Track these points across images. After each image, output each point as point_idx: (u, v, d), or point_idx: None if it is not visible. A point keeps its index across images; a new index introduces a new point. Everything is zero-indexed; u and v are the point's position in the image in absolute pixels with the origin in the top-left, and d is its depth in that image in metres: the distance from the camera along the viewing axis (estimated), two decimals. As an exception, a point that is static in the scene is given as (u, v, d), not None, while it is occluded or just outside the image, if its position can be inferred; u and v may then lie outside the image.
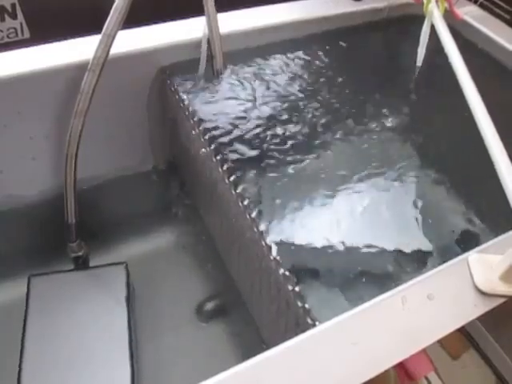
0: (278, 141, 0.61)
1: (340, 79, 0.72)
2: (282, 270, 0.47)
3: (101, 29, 0.53)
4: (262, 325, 0.63)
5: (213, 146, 0.59)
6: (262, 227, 0.50)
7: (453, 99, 0.49)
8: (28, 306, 0.68)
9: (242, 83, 0.69)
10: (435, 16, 0.54)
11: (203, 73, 0.69)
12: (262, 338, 0.64)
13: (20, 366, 0.63)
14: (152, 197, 0.88)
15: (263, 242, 0.49)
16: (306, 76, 0.72)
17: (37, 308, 0.68)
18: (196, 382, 0.34)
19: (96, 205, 0.79)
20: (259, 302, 0.59)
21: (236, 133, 0.61)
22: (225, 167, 0.57)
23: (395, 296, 0.41)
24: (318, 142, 0.62)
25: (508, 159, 0.41)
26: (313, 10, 0.79)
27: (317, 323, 0.43)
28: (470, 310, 0.41)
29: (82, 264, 0.75)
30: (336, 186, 0.56)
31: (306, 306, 0.44)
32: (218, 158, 0.58)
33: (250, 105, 0.66)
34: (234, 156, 0.58)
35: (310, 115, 0.65)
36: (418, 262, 0.49)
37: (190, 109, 0.64)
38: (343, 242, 0.50)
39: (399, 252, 0.49)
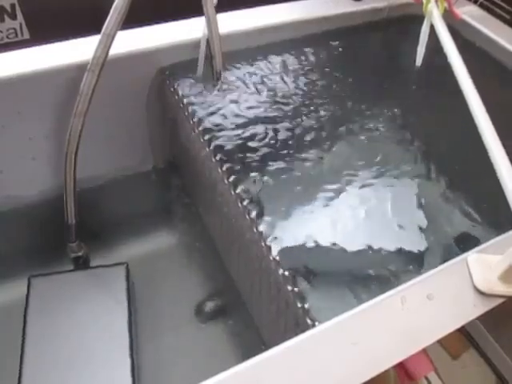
0: (277, 141, 0.61)
1: (340, 79, 0.72)
2: (281, 271, 0.47)
3: (101, 29, 0.53)
4: (262, 325, 0.64)
5: (212, 147, 0.59)
6: (262, 227, 0.50)
7: (452, 99, 0.49)
8: (28, 306, 0.68)
9: (241, 83, 0.69)
10: (435, 16, 0.54)
11: (203, 73, 0.69)
12: (261, 338, 0.64)
13: (20, 366, 0.63)
14: (152, 197, 0.88)
15: (263, 243, 0.49)
16: (306, 76, 0.72)
17: (37, 308, 0.68)
18: (196, 382, 0.34)
19: (96, 205, 0.79)
20: (259, 302, 0.59)
21: (236, 133, 0.61)
22: (224, 167, 0.57)
23: (395, 296, 0.41)
24: (317, 142, 0.62)
25: (507, 159, 0.41)
26: (313, 10, 0.79)
27: (316, 323, 0.43)
28: (470, 310, 0.41)
29: (82, 264, 0.75)
30: (336, 186, 0.56)
31: (306, 306, 0.44)
32: (218, 158, 0.58)
33: (249, 105, 0.66)
34: (234, 156, 0.58)
35: (310, 115, 0.65)
36: (418, 262, 0.49)
37: (190, 109, 0.64)
38: (343, 243, 0.50)
39: (399, 252, 0.49)
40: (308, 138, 0.62)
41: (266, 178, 0.56)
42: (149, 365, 0.72)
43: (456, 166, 0.60)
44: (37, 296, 0.70)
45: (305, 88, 0.69)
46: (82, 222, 0.69)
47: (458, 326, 0.40)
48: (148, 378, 0.71)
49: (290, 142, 0.61)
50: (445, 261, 0.44)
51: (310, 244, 0.49)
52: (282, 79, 0.70)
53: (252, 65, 0.72)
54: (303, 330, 0.39)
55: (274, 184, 0.56)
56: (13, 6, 0.70)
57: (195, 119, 0.63)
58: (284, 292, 0.47)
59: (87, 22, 0.60)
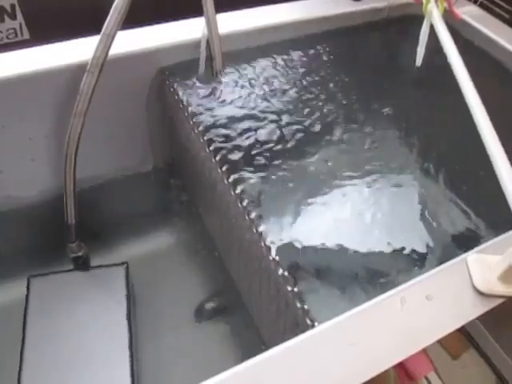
0: (277, 141, 0.61)
1: (340, 79, 0.72)
2: (281, 271, 0.47)
3: (101, 29, 0.53)
4: (262, 325, 0.64)
5: (212, 147, 0.59)
6: (262, 228, 0.50)
7: (452, 99, 0.49)
8: (28, 306, 0.69)
9: (241, 83, 0.69)
10: (434, 16, 0.54)
11: (203, 73, 0.69)
12: (261, 338, 0.64)
13: (20, 366, 0.63)
14: (152, 197, 0.88)
15: (262, 243, 0.49)
16: (306, 76, 0.72)
17: (37, 308, 0.68)
18: (196, 382, 0.35)
19: (96, 205, 0.79)
20: (259, 302, 0.59)
21: (235, 133, 0.61)
22: (224, 168, 0.57)
23: (394, 296, 0.41)
24: (317, 142, 0.62)
25: (507, 159, 0.41)
26: (313, 10, 0.79)
27: (316, 324, 0.43)
28: (469, 311, 0.41)
29: (82, 264, 0.75)
30: (335, 186, 0.56)
31: (305, 306, 0.44)
32: (218, 158, 0.58)
33: (249, 105, 0.66)
34: (234, 156, 0.58)
35: (310, 115, 0.65)
36: (417, 262, 0.49)
37: (190, 109, 0.64)
38: (342, 243, 0.50)
39: (398, 252, 0.49)
40: (308, 138, 0.62)
41: (265, 178, 0.56)
42: (149, 365, 0.72)
43: (456, 166, 0.60)
44: (37, 296, 0.70)
45: (305, 88, 0.69)
46: (82, 222, 0.69)
47: (458, 326, 0.40)
48: (148, 378, 0.71)
49: (291, 143, 0.61)
50: (444, 261, 0.44)
51: (310, 244, 0.49)
52: (282, 79, 0.70)
53: (252, 65, 0.72)
54: (303, 331, 0.39)
55: (274, 184, 0.55)
56: (13, 6, 0.70)
57: (195, 119, 0.63)
58: (284, 292, 0.47)
59: (87, 21, 0.60)
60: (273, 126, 0.63)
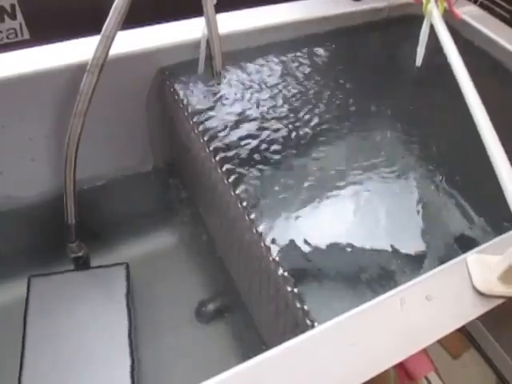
0: (278, 142, 0.61)
1: (340, 79, 0.72)
2: (280, 271, 0.47)
3: (100, 29, 0.53)
4: (262, 325, 0.64)
5: (212, 147, 0.59)
6: (261, 228, 0.50)
7: (452, 99, 0.49)
8: (28, 306, 0.69)
9: (241, 83, 0.69)
10: (434, 16, 0.54)
11: (203, 73, 0.69)
12: (261, 338, 0.64)
13: (20, 365, 0.63)
14: (152, 197, 0.88)
15: (262, 243, 0.49)
16: (306, 76, 0.71)
17: (37, 308, 0.68)
18: (196, 382, 0.35)
19: (96, 205, 0.79)
20: (258, 302, 0.59)
21: (235, 133, 0.61)
22: (224, 168, 0.57)
23: (394, 297, 0.41)
24: (317, 142, 0.62)
25: (507, 159, 0.41)
26: (313, 10, 0.79)
27: (316, 324, 0.43)
28: (469, 311, 0.41)
29: (82, 264, 0.75)
30: (335, 186, 0.56)
31: (305, 307, 0.44)
32: (218, 158, 0.58)
33: (249, 105, 0.66)
34: (234, 157, 0.58)
35: (310, 115, 0.65)
36: (417, 262, 0.49)
37: (190, 109, 0.64)
38: (342, 243, 0.50)
39: (398, 253, 0.49)
40: (308, 138, 0.62)
41: (265, 178, 0.56)
42: (149, 365, 0.72)
43: (457, 166, 0.60)
44: (37, 296, 0.70)
45: (305, 88, 0.69)
46: (82, 222, 0.69)
47: (458, 326, 0.40)
48: (148, 378, 0.71)
49: (291, 143, 0.61)
50: (444, 261, 0.44)
51: (310, 245, 0.49)
52: (282, 79, 0.70)
53: (252, 65, 0.72)
54: (303, 331, 0.39)
55: (274, 185, 0.55)
56: (13, 6, 0.70)
57: (195, 119, 0.63)
58: (283, 292, 0.47)
59: (87, 22, 0.60)
60: (273, 126, 0.63)
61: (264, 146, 0.60)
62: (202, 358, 0.74)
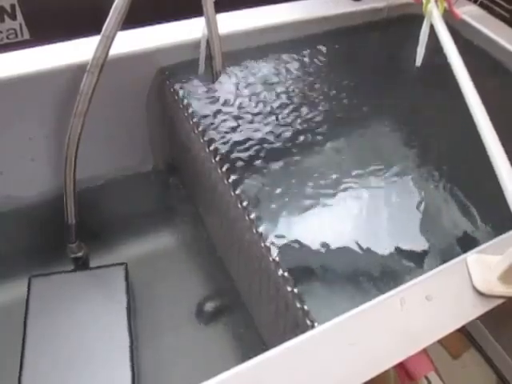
0: (277, 141, 0.61)
1: (340, 79, 0.72)
2: (280, 271, 0.47)
3: (100, 29, 0.53)
4: (262, 325, 0.64)
5: (212, 147, 0.59)
6: (261, 228, 0.50)
7: (452, 99, 0.49)
8: (28, 306, 0.69)
9: (241, 83, 0.69)
10: (434, 16, 0.54)
11: (203, 73, 0.69)
12: (261, 339, 0.64)
13: (20, 366, 0.63)
14: (152, 197, 0.88)
15: (262, 243, 0.49)
16: (306, 76, 0.72)
17: (37, 308, 0.68)
18: (196, 382, 0.35)
19: (96, 205, 0.79)
20: (258, 302, 0.59)
21: (235, 134, 0.61)
22: (224, 168, 0.57)
23: (394, 297, 0.41)
24: (318, 142, 0.62)
25: (507, 159, 0.41)
26: (313, 10, 0.79)
27: (316, 324, 0.43)
28: (469, 311, 0.41)
29: (82, 265, 0.75)
30: (336, 186, 0.56)
31: (305, 307, 0.44)
32: (218, 158, 0.58)
33: (249, 105, 0.66)
34: (234, 157, 0.58)
35: (310, 115, 0.65)
36: (418, 262, 0.49)
37: (190, 109, 0.64)
38: (343, 243, 0.50)
39: (398, 253, 0.49)
40: (308, 138, 0.62)
41: (265, 178, 0.56)
42: (149, 365, 0.72)
43: (457, 166, 0.60)
44: (37, 296, 0.70)
45: (305, 88, 0.69)
46: (82, 222, 0.69)
47: (458, 326, 0.40)
48: (148, 378, 0.71)
49: (290, 143, 0.61)
50: (444, 261, 0.44)
51: (310, 245, 0.49)
52: (282, 79, 0.70)
53: (252, 65, 0.72)
54: (303, 331, 0.39)
55: (274, 185, 0.55)
56: (13, 6, 0.70)
57: (195, 120, 0.63)
58: (283, 293, 0.47)
59: (87, 22, 0.60)
60: (273, 126, 0.63)
61: (264, 146, 0.60)
62: (202, 358, 0.74)
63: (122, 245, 0.84)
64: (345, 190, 0.56)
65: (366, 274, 0.47)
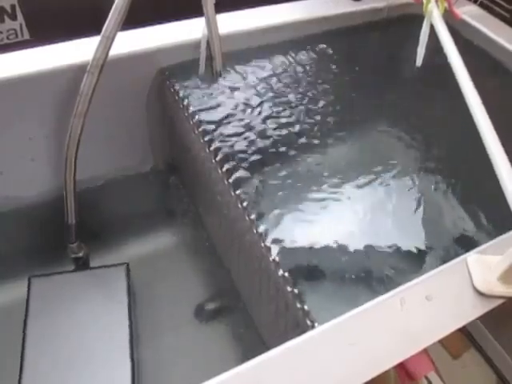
0: (278, 142, 0.61)
1: (340, 79, 0.72)
2: (281, 272, 0.47)
3: (100, 29, 0.53)
4: (262, 325, 0.64)
5: (212, 148, 0.59)
6: (262, 229, 0.50)
7: (452, 99, 0.49)
8: (28, 306, 0.68)
9: (242, 83, 0.69)
10: (435, 16, 0.54)
11: (203, 73, 0.69)
12: (261, 339, 0.64)
13: (20, 366, 0.63)
14: (152, 197, 0.88)
15: (262, 244, 0.49)
16: (306, 76, 0.72)
17: (37, 309, 0.68)
18: (196, 382, 0.35)
19: (96, 205, 0.79)
20: (259, 302, 0.59)
21: (236, 134, 0.61)
22: (224, 168, 0.57)
23: (394, 297, 0.41)
24: (318, 143, 0.62)
25: (507, 159, 0.41)
26: (313, 10, 0.79)
27: (316, 324, 0.43)
28: (469, 311, 0.41)
29: (82, 265, 0.75)
30: (336, 187, 0.56)
31: (306, 307, 0.44)
32: (218, 159, 0.58)
33: (249, 105, 0.66)
34: (234, 157, 0.58)
35: (310, 116, 0.65)
36: (418, 262, 0.49)
37: (190, 110, 0.64)
38: (343, 244, 0.50)
39: (398, 253, 0.49)
40: (308, 138, 0.62)
41: (266, 179, 0.56)
42: (149, 365, 0.72)
43: (456, 166, 0.60)
44: (37, 296, 0.70)
45: (305, 88, 0.69)
46: (82, 222, 0.69)
47: (458, 327, 0.40)
48: (148, 378, 0.71)
49: (291, 143, 0.61)
50: (444, 261, 0.44)
51: (310, 245, 0.49)
52: (283, 79, 0.70)
53: (253, 65, 0.72)
54: (303, 331, 0.39)
55: (274, 185, 0.55)
56: (13, 6, 0.70)
57: (195, 120, 0.63)
58: (283, 293, 0.47)
59: (87, 22, 0.60)
60: (273, 126, 0.63)
61: (265, 146, 0.60)
62: (202, 358, 0.74)
63: (122, 245, 0.84)
64: (345, 190, 0.56)
65: (367, 274, 0.47)
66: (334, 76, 0.72)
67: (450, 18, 0.57)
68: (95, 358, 0.65)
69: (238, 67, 0.71)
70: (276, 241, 0.49)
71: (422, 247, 0.50)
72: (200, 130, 0.61)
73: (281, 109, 0.66)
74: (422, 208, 0.54)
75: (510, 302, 0.41)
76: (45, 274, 0.72)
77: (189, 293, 0.81)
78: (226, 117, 0.63)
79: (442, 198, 0.56)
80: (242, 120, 0.63)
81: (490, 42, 0.77)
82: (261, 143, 0.60)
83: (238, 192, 0.54)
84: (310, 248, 0.49)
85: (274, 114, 0.65)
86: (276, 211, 0.52)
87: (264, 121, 0.64)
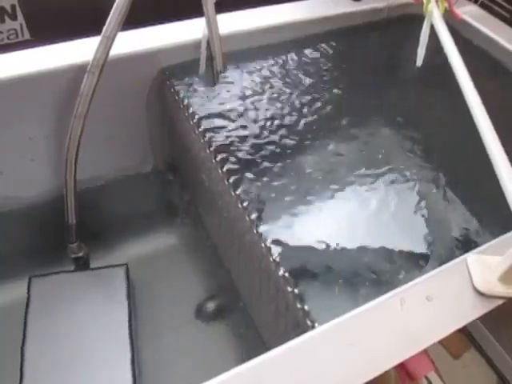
0: (278, 142, 0.61)
1: (340, 79, 0.72)
2: (281, 272, 0.47)
3: (101, 29, 0.53)
4: (262, 325, 0.64)
5: (213, 148, 0.59)
6: (262, 229, 0.50)
7: (452, 99, 0.49)
8: (28, 306, 0.69)
9: (242, 84, 0.69)
10: (435, 16, 0.54)
11: (203, 74, 0.69)
12: (261, 339, 0.64)
13: (21, 366, 0.63)
14: (152, 197, 0.88)
15: (262, 244, 0.49)
16: (306, 77, 0.71)
17: (37, 309, 0.68)
18: (196, 382, 0.35)
19: (96, 205, 0.79)
20: (259, 302, 0.59)
21: (236, 134, 0.61)
22: (224, 168, 0.57)
23: (394, 297, 0.41)
24: (318, 143, 0.62)
25: (507, 159, 0.41)
26: (313, 11, 0.79)
27: (316, 324, 0.43)
28: (469, 312, 0.41)
29: (82, 265, 0.75)
30: (336, 187, 0.56)
31: (306, 307, 0.44)
32: (218, 159, 0.58)
33: (250, 106, 0.66)
34: (234, 157, 0.58)
35: (310, 116, 0.65)
36: (418, 262, 0.49)
37: (190, 110, 0.64)
38: (343, 244, 0.50)
39: (399, 253, 0.49)
40: (308, 139, 0.62)
41: (266, 179, 0.56)
42: (149, 365, 0.72)
43: (456, 166, 0.60)
44: (37, 296, 0.70)
45: (305, 88, 0.69)
46: (82, 222, 0.69)
47: (458, 327, 0.40)
48: (148, 378, 0.71)
49: (291, 143, 0.61)
50: (444, 261, 0.44)
51: (310, 245, 0.49)
52: (283, 80, 0.70)
53: (253, 65, 0.72)
54: (303, 331, 0.39)
55: (275, 185, 0.55)
56: (13, 6, 0.70)
57: (195, 120, 0.63)
58: (284, 293, 0.47)
59: (87, 22, 0.60)
60: (273, 126, 0.63)
61: (265, 146, 0.60)
62: (202, 358, 0.74)
63: (122, 245, 0.84)
64: (345, 190, 0.56)
65: (367, 275, 0.47)
66: (334, 76, 0.72)
67: (450, 18, 0.56)
68: (95, 358, 0.65)
69: (238, 67, 0.71)
70: (276, 241, 0.49)
71: (423, 247, 0.50)
72: (200, 129, 0.61)
73: (281, 109, 0.66)
74: (422, 208, 0.54)
75: (510, 302, 0.41)
76: (45, 274, 0.72)
77: (189, 293, 0.81)
78: (227, 117, 0.63)
79: (442, 198, 0.56)
80: (242, 120, 0.63)
81: (490, 42, 0.77)
82: (261, 143, 0.60)
83: (238, 192, 0.54)
84: (311, 248, 0.49)
85: (275, 115, 0.65)
86: (276, 211, 0.52)
87: (265, 121, 0.64)
